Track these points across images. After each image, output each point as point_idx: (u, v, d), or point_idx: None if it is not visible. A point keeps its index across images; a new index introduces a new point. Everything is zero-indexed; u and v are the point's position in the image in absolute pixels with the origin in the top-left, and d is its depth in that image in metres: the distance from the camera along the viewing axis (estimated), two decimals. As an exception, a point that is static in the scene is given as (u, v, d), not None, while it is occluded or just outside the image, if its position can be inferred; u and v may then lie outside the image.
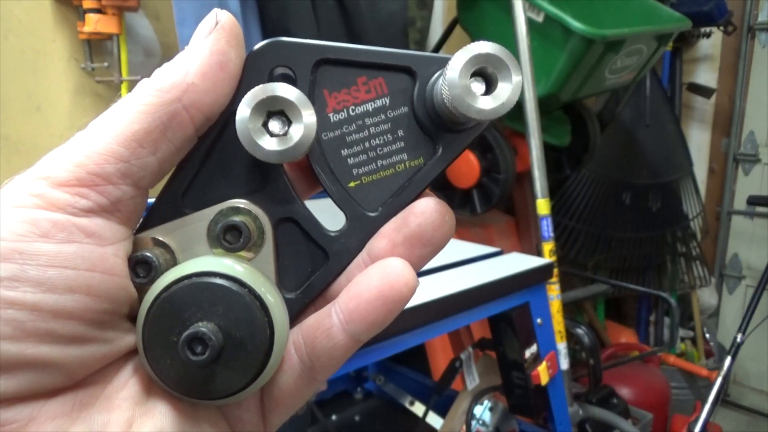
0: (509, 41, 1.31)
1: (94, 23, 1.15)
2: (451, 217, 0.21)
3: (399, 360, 1.51)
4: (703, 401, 1.55)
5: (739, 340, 1.60)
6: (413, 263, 0.20)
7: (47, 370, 0.17)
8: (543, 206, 1.28)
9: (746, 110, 2.30)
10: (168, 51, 1.33)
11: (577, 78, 1.45)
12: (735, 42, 2.25)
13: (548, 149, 1.44)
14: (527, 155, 1.32)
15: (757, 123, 2.28)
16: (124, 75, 1.22)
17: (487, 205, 1.63)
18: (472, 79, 0.19)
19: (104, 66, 1.23)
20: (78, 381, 0.18)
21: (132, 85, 1.24)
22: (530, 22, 1.33)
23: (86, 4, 1.15)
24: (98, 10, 1.16)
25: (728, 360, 1.57)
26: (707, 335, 2.26)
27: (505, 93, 0.19)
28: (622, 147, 2.08)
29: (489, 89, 0.19)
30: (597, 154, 1.85)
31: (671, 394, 1.85)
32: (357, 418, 1.37)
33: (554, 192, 1.91)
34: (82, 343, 0.18)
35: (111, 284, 0.18)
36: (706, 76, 2.31)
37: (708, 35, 2.20)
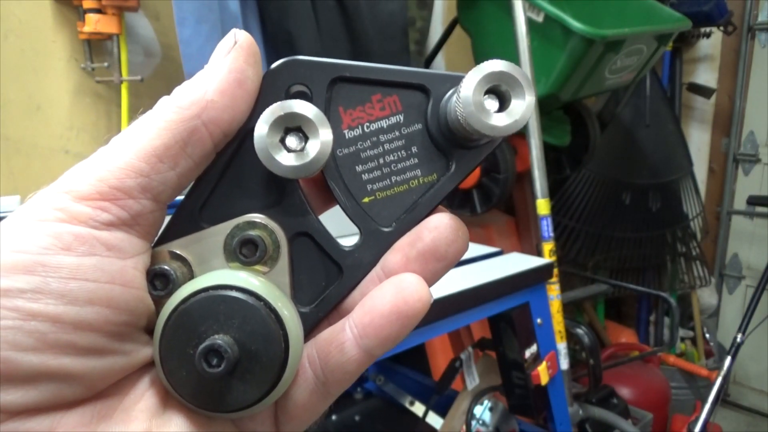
0: (509, 41, 1.31)
1: (94, 23, 1.15)
2: (464, 233, 0.21)
3: (399, 360, 1.51)
4: (703, 401, 1.55)
5: (739, 340, 1.59)
6: (427, 278, 0.21)
7: (68, 382, 0.17)
8: (543, 206, 1.28)
9: (746, 110, 2.30)
10: (168, 51, 1.33)
11: (577, 78, 1.45)
12: (735, 42, 2.25)
13: (548, 149, 1.44)
14: (527, 155, 1.32)
15: (757, 123, 2.28)
16: (124, 75, 1.22)
17: (487, 205, 1.63)
18: (486, 96, 0.19)
19: (104, 66, 1.23)
20: (97, 392, 0.18)
21: (132, 85, 1.24)
22: (530, 22, 1.33)
23: (86, 4, 1.15)
24: (98, 10, 1.16)
25: (728, 360, 1.57)
26: (707, 335, 2.26)
27: (518, 110, 0.19)
28: (622, 147, 2.08)
29: (502, 106, 0.20)
30: (597, 154, 1.85)
31: (671, 394, 1.85)
32: (357, 418, 1.36)
33: (554, 192, 1.91)
34: (102, 355, 0.18)
35: (130, 297, 0.18)
36: (706, 76, 2.31)
37: (708, 35, 2.19)
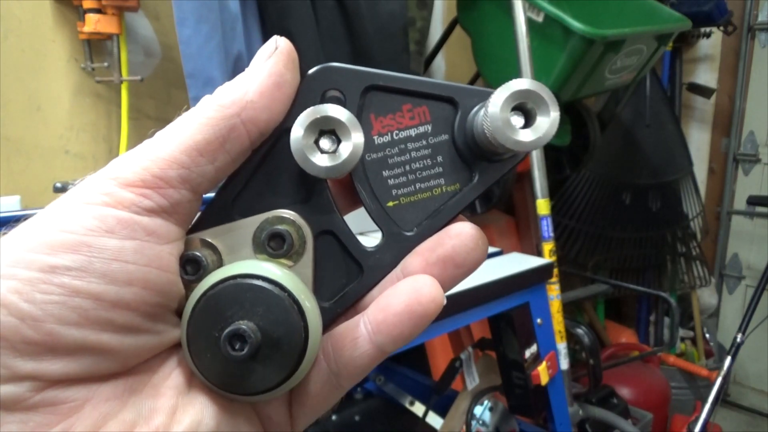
0: (509, 41, 1.31)
1: (94, 23, 1.15)
2: (484, 242, 0.22)
3: (399, 360, 1.51)
4: (703, 401, 1.55)
5: (739, 340, 1.60)
6: (444, 283, 0.21)
7: (105, 356, 0.18)
8: (543, 206, 1.28)
9: (746, 110, 2.30)
10: (168, 51, 1.33)
11: (577, 78, 1.45)
12: (735, 42, 2.25)
13: (548, 149, 1.44)
14: (527, 155, 1.32)
15: (757, 123, 2.28)
16: (124, 75, 1.22)
17: (487, 205, 1.63)
18: (512, 113, 0.20)
19: (104, 66, 1.23)
20: (129, 368, 0.20)
21: (132, 85, 1.24)
22: (530, 22, 1.33)
23: (86, 4, 1.15)
24: (98, 10, 1.16)
25: (728, 360, 1.57)
26: (707, 335, 2.26)
27: (543, 126, 0.20)
28: (622, 147, 2.08)
29: (528, 123, 0.21)
30: (597, 154, 1.85)
31: (671, 394, 1.85)
32: (357, 418, 1.36)
33: (554, 192, 1.91)
34: (136, 333, 0.19)
35: (165, 280, 0.19)
36: (706, 76, 2.31)
37: (708, 35, 2.20)
